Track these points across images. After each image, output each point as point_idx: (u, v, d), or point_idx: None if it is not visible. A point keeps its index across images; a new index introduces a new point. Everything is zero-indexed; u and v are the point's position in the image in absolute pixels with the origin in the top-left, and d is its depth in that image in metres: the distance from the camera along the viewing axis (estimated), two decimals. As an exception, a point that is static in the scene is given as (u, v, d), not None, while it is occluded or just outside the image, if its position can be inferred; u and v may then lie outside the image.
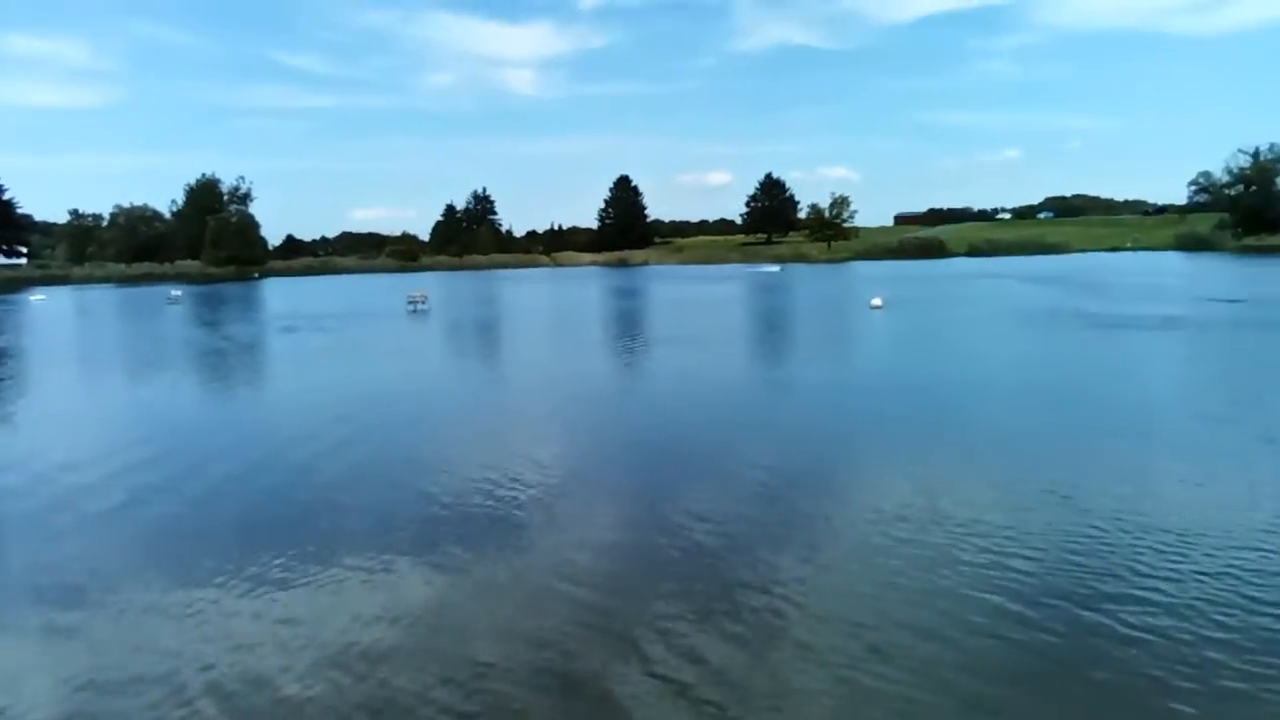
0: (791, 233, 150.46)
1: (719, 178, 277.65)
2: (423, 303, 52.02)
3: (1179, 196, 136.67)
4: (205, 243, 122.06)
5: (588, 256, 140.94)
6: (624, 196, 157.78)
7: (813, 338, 33.50)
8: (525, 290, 76.54)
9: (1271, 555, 8.30)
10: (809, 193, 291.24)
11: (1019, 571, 8.15)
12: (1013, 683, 6.27)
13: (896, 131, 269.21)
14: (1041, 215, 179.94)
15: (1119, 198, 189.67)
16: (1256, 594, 7.43)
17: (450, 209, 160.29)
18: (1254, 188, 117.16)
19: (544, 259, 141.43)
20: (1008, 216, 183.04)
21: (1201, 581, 7.75)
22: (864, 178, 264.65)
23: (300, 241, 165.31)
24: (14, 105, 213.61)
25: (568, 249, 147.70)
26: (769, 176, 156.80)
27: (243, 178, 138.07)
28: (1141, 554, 8.41)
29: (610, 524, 10.51)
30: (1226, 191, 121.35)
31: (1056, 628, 6.99)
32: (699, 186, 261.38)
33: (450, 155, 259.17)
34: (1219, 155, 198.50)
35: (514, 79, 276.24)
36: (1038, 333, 30.19)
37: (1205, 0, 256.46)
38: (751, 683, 6.41)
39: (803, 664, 6.63)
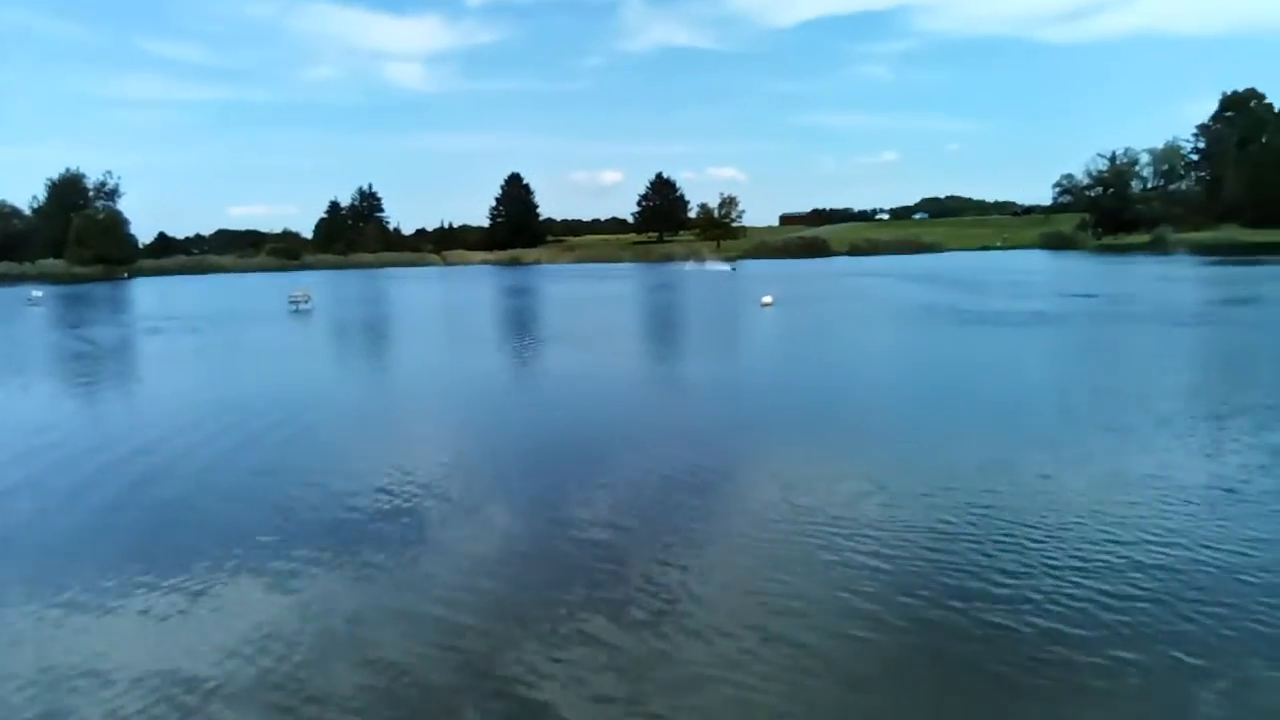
0: (682, 232, 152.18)
1: (611, 177, 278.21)
2: (305, 302, 50.39)
3: (1045, 198, 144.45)
4: (69, 241, 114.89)
5: (479, 255, 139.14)
6: (516, 194, 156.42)
7: (706, 336, 34.05)
8: (414, 289, 75.08)
9: (1121, 547, 8.78)
10: (699, 192, 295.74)
11: (894, 561, 8.45)
12: (888, 667, 6.51)
13: (781, 133, 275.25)
14: (917, 216, 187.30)
15: (990, 199, 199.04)
16: (1107, 586, 7.75)
17: (335, 206, 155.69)
18: (1111, 190, 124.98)
19: (434, 258, 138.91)
20: (886, 217, 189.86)
21: (1059, 573, 8.14)
22: (751, 178, 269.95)
23: (173, 239, 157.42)
24: None
25: (458, 247, 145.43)
26: (659, 176, 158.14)
27: (110, 172, 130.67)
28: (1006, 546, 8.74)
29: (504, 524, 10.46)
30: (1087, 193, 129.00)
31: (927, 615, 7.26)
32: (591, 185, 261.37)
33: (334, 150, 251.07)
34: (1081, 159, 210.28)
35: (401, 73, 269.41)
36: (916, 329, 31.51)
37: (1073, 10, 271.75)
38: (649, 672, 6.50)
39: (697, 653, 6.75)
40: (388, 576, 8.69)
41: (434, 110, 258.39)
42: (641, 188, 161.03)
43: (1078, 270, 66.79)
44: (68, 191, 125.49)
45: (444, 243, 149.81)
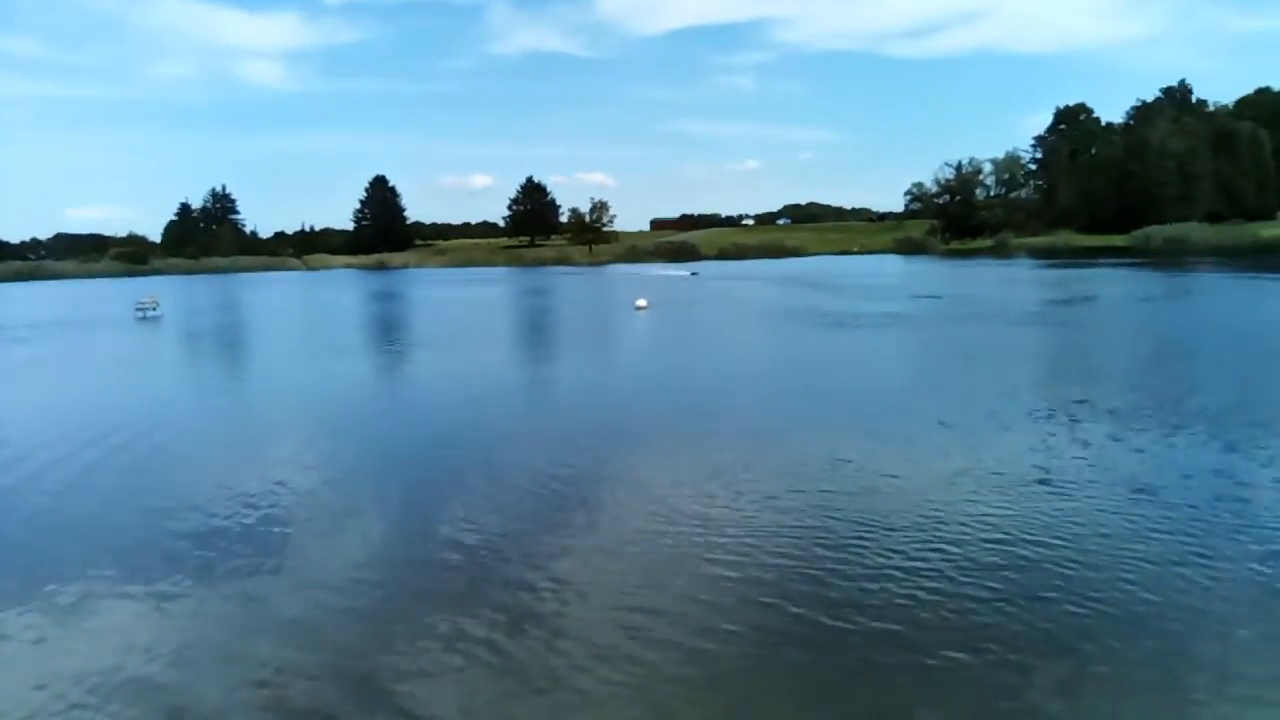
0: (554, 236, 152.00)
1: (481, 180, 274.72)
2: (153, 309, 47.81)
3: (898, 205, 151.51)
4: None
5: (343, 259, 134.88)
6: (381, 197, 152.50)
7: (580, 340, 34.29)
8: (273, 295, 72.21)
9: (968, 548, 9.51)
10: (569, 197, 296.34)
11: (750, 562, 8.83)
12: (740, 666, 6.82)
13: (649, 139, 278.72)
14: (780, 221, 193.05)
15: (848, 205, 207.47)
16: (944, 582, 8.34)
17: (185, 208, 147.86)
18: (957, 197, 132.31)
19: (295, 262, 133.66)
20: (751, 222, 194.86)
21: (903, 569, 8.75)
22: (620, 183, 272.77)
23: (5, 244, 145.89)
24: None
25: (321, 251, 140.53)
26: (530, 180, 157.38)
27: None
28: (854, 546, 9.21)
29: (371, 533, 10.41)
30: (936, 200, 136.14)
31: (781, 615, 7.62)
32: (461, 188, 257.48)
33: (184, 151, 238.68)
34: (930, 168, 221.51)
35: (258, 71, 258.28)
36: (781, 331, 32.71)
37: (917, 28, 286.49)
38: (518, 676, 6.66)
39: (564, 656, 6.93)
40: (255, 590, 8.55)
41: (293, 110, 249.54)
42: (512, 191, 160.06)
43: (927, 273, 70.51)
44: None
45: (305, 246, 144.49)
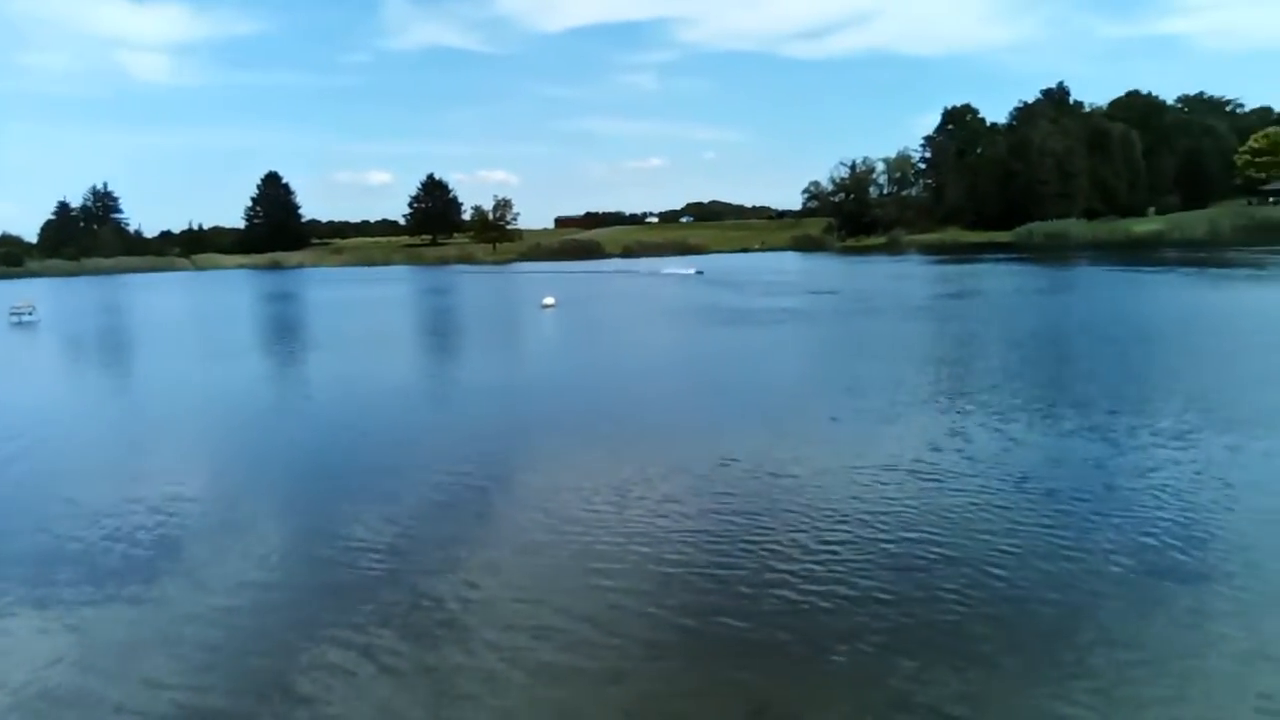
0: (457, 234, 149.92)
1: (379, 177, 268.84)
2: (29, 313, 45.31)
3: (796, 203, 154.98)
4: None
5: (235, 259, 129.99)
6: (274, 194, 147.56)
7: (487, 339, 34.04)
8: (160, 297, 69.27)
9: (856, 541, 9.96)
10: (471, 194, 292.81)
11: (651, 556, 9.12)
12: (644, 659, 7.04)
13: (552, 137, 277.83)
14: (684, 219, 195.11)
15: (748, 203, 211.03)
16: (839, 579, 8.85)
17: (64, 207, 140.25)
18: (852, 196, 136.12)
19: (183, 262, 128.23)
20: (655, 220, 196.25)
21: (797, 559, 9.24)
22: (523, 181, 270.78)
23: None
24: None
25: (211, 250, 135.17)
26: (431, 177, 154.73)
27: None
28: (759, 539, 9.63)
29: (272, 540, 10.28)
30: (832, 199, 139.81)
31: (684, 607, 7.92)
32: (358, 186, 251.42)
33: (63, 146, 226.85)
34: (826, 167, 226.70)
35: (143, 64, 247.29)
36: (686, 328, 33.26)
37: (813, 29, 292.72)
38: (426, 680, 6.76)
39: (472, 657, 7.02)
40: (152, 599, 8.39)
41: (181, 104, 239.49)
42: (412, 189, 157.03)
43: (824, 270, 72.40)
44: None
45: (194, 246, 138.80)
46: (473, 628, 7.48)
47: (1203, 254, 64.89)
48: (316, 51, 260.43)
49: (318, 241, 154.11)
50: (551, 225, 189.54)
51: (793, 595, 7.79)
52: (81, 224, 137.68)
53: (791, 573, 8.30)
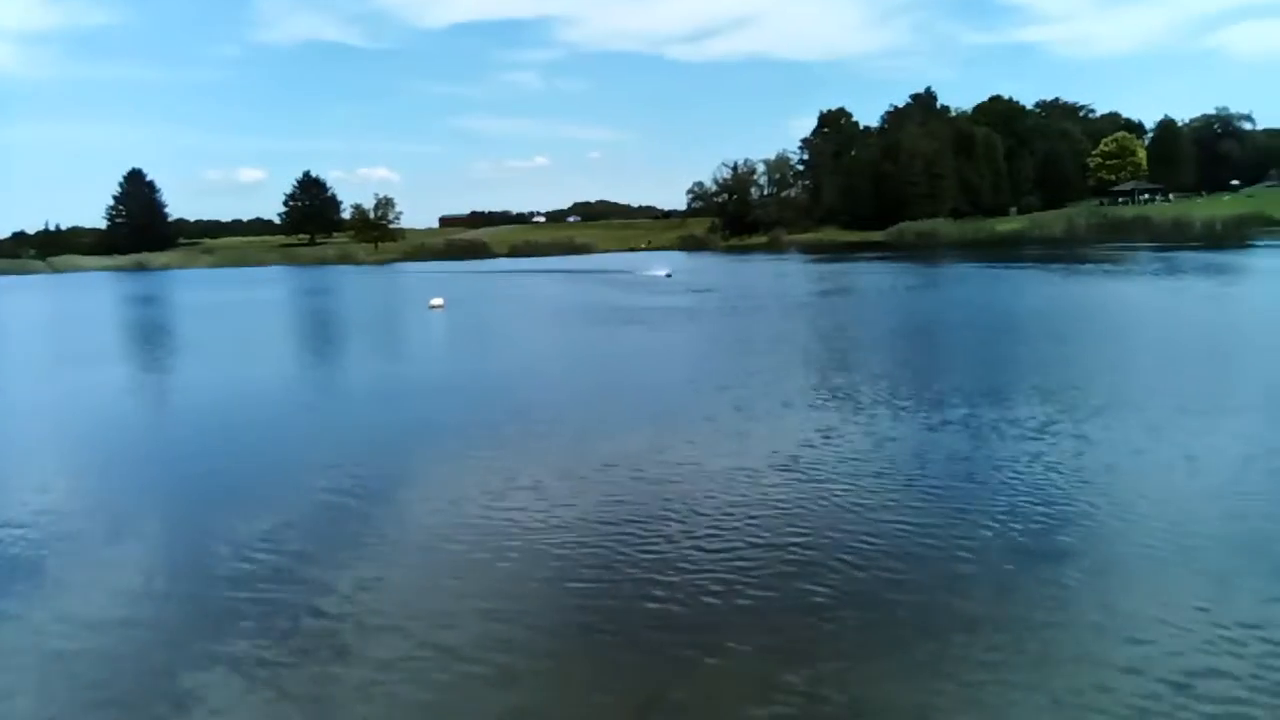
0: (336, 233, 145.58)
1: (252, 175, 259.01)
2: None
3: (681, 203, 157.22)
4: None
5: (96, 261, 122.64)
6: (138, 193, 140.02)
7: (374, 342, 33.23)
8: (10, 301, 64.74)
9: (740, 537, 10.27)
10: (351, 193, 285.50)
11: (550, 558, 9.10)
12: (543, 662, 7.05)
13: (435, 135, 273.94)
14: (571, 219, 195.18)
15: (634, 203, 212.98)
16: (727, 574, 9.12)
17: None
18: (735, 196, 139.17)
19: (37, 264, 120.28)
20: (542, 219, 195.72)
21: (698, 557, 9.43)
22: (405, 179, 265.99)
23: None
24: None
25: (69, 252, 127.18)
26: (308, 175, 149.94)
27: None
28: (645, 538, 9.69)
29: (150, 553, 9.76)
30: (715, 199, 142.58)
31: (586, 601, 7.99)
32: (229, 184, 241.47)
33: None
34: (709, 168, 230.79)
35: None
36: (577, 327, 33.27)
37: (695, 32, 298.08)
38: (317, 693, 6.57)
39: (371, 668, 6.86)
40: (15, 620, 7.87)
41: (31, 97, 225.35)
42: (287, 187, 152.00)
43: (708, 268, 73.69)
44: None
45: (51, 247, 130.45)
46: (358, 637, 7.30)
47: (1061, 251, 69.12)
48: (181, 44, 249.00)
49: (186, 242, 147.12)
50: (435, 224, 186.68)
51: (683, 593, 7.90)
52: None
53: (675, 572, 8.41)
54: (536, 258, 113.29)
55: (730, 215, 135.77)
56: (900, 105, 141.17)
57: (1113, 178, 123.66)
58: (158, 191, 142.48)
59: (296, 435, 15.75)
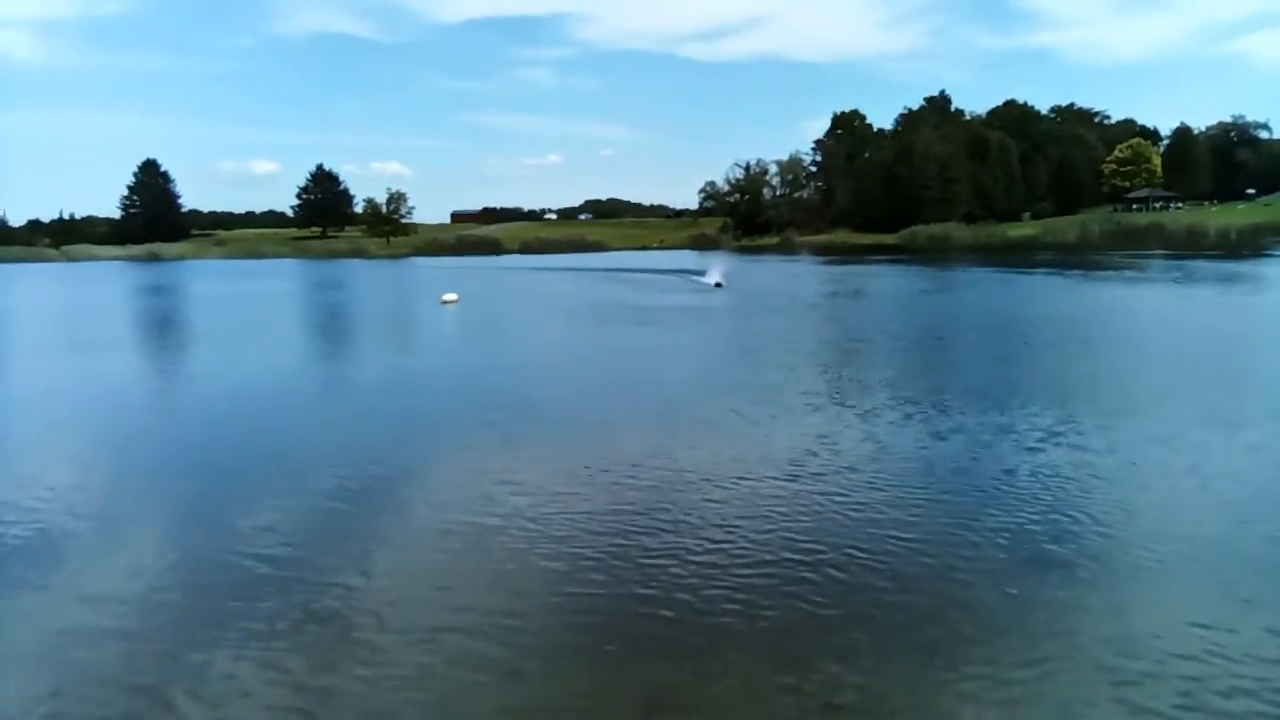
0: (348, 227, 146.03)
1: (265, 167, 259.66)
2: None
3: (693, 202, 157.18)
4: None
5: (110, 250, 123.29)
6: (152, 183, 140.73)
7: (387, 336, 33.34)
8: (25, 289, 65.21)
9: (752, 534, 10.31)
10: (363, 187, 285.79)
11: (558, 555, 9.16)
12: (557, 650, 7.19)
13: (448, 130, 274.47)
14: (582, 216, 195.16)
15: (646, 202, 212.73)
16: (733, 570, 9.15)
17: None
18: (747, 196, 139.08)
19: (52, 252, 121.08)
20: (554, 217, 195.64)
21: (696, 554, 9.46)
22: (418, 174, 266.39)
23: None
24: None
25: (83, 241, 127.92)
26: (320, 168, 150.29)
27: None
28: (653, 534, 9.79)
29: (165, 544, 9.81)
30: (727, 199, 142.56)
31: (594, 599, 8.08)
32: (243, 175, 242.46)
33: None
34: (722, 168, 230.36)
35: (3, 41, 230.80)
36: (587, 324, 33.29)
37: (709, 31, 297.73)
38: (324, 684, 6.61)
39: (375, 661, 6.91)
40: (25, 611, 7.97)
41: (48, 86, 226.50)
42: (301, 180, 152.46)
43: (724, 266, 73.56)
44: None
45: (65, 236, 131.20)
46: (364, 630, 7.37)
47: (1074, 257, 68.83)
48: (195, 34, 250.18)
49: (199, 233, 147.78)
50: (447, 220, 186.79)
51: (686, 593, 7.94)
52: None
53: (685, 570, 8.46)
54: (549, 255, 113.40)
55: (742, 215, 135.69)
56: (914, 108, 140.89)
57: (1127, 184, 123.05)
58: (171, 182, 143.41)
59: (307, 428, 15.83)
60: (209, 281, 69.18)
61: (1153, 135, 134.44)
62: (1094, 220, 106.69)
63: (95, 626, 7.55)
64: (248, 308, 45.50)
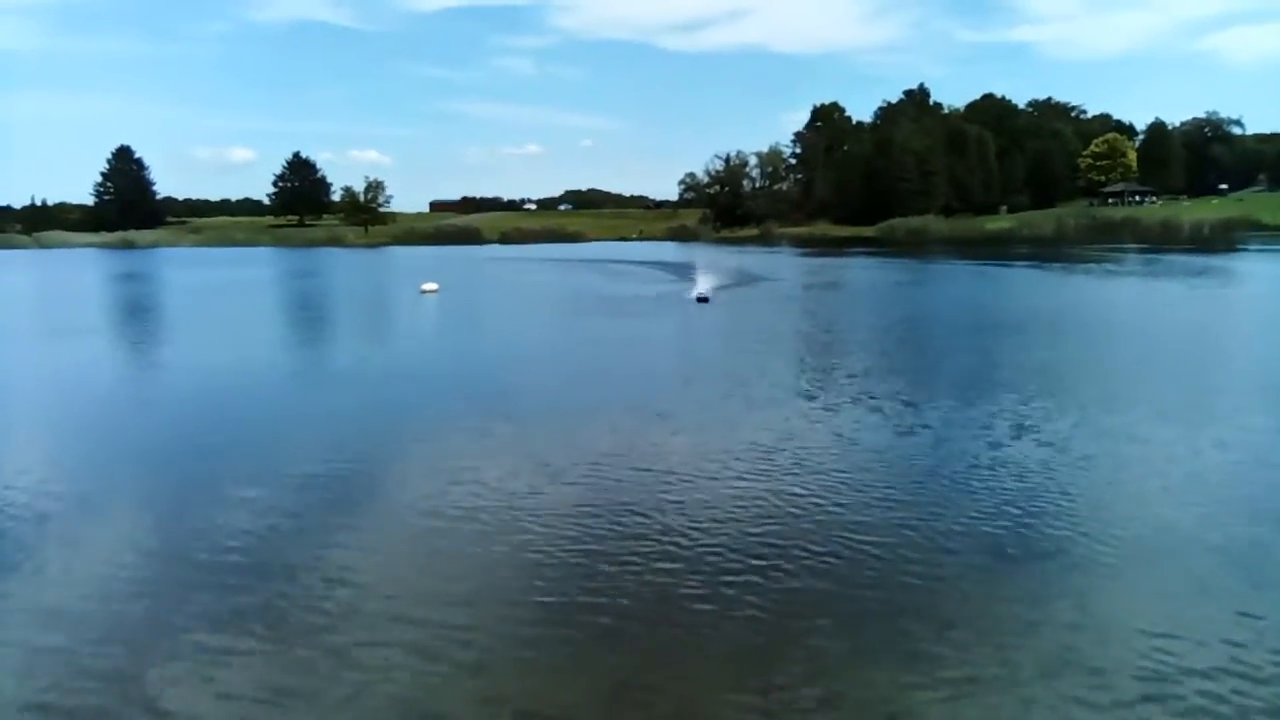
0: (325, 215, 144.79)
1: (241, 154, 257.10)
2: None
3: (673, 193, 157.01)
4: None
5: (83, 237, 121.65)
6: (126, 169, 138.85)
7: (366, 326, 33.18)
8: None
9: (725, 521, 10.40)
10: (341, 175, 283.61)
11: (536, 541, 9.23)
12: (526, 642, 7.19)
13: (427, 118, 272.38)
14: (562, 207, 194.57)
15: (626, 193, 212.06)
16: (704, 558, 9.24)
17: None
18: (726, 188, 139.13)
19: (23, 239, 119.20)
20: (533, 207, 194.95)
21: (666, 544, 9.54)
22: (397, 162, 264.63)
23: None
24: None
25: (55, 228, 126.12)
26: (297, 156, 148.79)
27: None
28: (634, 520, 9.89)
29: (136, 535, 9.75)
30: (707, 190, 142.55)
31: (562, 587, 8.09)
32: (219, 162, 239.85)
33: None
34: (702, 159, 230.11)
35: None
36: (567, 315, 33.25)
37: (688, 22, 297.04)
38: (302, 681, 6.62)
39: (345, 651, 6.91)
40: (9, 602, 7.92)
41: (20, 70, 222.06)
42: (277, 167, 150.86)
43: (703, 258, 73.63)
44: None
45: (37, 223, 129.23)
46: (333, 620, 7.37)
47: (1050, 251, 69.44)
48: (172, 18, 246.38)
49: (174, 220, 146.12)
50: (426, 209, 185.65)
51: (655, 581, 8.01)
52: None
53: (655, 560, 8.51)
54: (528, 245, 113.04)
55: (722, 207, 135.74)
56: (894, 101, 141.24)
57: (1103, 179, 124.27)
58: (146, 169, 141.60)
59: (280, 419, 15.68)
60: (183, 269, 68.44)
61: (1128, 130, 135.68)
62: (1069, 214, 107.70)
63: (64, 617, 7.48)
64: (222, 296, 45.05)
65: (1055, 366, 19.44)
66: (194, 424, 15.14)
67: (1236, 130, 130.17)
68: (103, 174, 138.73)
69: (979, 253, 68.99)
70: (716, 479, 11.09)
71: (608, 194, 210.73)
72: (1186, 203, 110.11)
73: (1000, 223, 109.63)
